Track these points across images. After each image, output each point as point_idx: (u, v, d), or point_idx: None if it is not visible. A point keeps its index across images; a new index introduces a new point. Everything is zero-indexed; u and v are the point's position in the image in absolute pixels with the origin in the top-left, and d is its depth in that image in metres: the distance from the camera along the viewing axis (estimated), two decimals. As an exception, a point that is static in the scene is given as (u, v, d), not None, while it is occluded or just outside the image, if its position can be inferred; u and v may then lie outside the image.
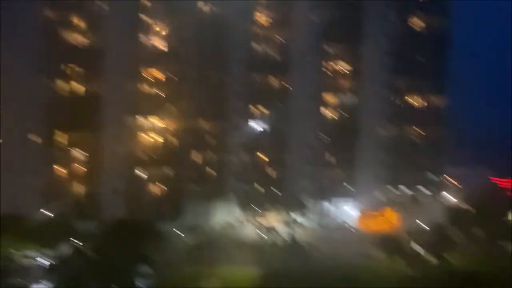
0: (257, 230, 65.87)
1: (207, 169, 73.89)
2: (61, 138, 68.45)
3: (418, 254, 50.60)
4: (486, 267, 54.42)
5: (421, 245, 54.26)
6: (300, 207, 70.75)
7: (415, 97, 78.32)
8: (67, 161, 68.95)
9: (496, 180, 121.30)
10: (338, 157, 77.95)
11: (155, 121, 71.57)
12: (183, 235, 66.47)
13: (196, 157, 73.27)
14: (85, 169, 69.21)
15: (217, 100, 72.34)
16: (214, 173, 74.04)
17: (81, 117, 67.25)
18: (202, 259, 49.15)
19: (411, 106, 78.45)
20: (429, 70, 77.38)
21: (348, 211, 77.32)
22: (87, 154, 69.18)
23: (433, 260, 50.78)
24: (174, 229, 67.86)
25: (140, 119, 70.80)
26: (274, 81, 76.00)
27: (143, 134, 71.27)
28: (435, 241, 53.14)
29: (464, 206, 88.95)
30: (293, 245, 60.01)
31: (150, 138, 71.62)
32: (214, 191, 73.58)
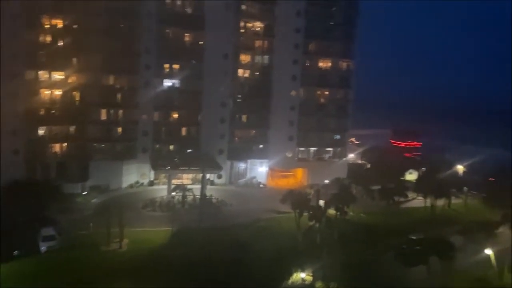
0: (169, 189, 65.37)
1: (115, 127, 70.81)
2: None
3: (320, 207, 53.92)
4: (379, 219, 60.43)
5: (324, 200, 57.90)
6: (213, 166, 71.40)
7: (324, 60, 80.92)
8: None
9: (395, 142, 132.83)
10: (251, 117, 79.12)
11: (57, 76, 66.12)
12: (89, 196, 64.26)
13: (103, 114, 69.65)
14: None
15: (127, 55, 68.55)
16: (123, 132, 71.22)
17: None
18: (110, 220, 47.81)
19: (320, 69, 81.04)
20: (339, 33, 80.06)
21: (260, 170, 79.66)
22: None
23: (334, 212, 54.58)
24: (79, 190, 65.31)
25: (41, 73, 65.00)
26: (188, 38, 73.87)
27: (44, 90, 65.67)
28: (337, 196, 56.83)
29: (365, 164, 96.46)
30: (205, 203, 60.94)
31: (52, 94, 66.30)
32: (123, 150, 71.17)
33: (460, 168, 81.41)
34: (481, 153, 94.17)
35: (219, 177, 75.85)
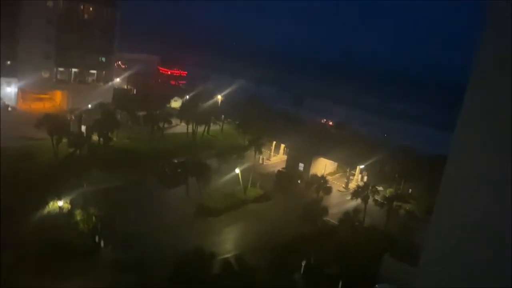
0: None
1: None
2: None
3: (82, 133, 50.73)
4: (144, 144, 61.37)
5: (86, 125, 54.62)
6: None
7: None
8: None
9: (163, 69, 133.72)
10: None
11: None
12: None
13: None
14: None
15: None
16: None
17: None
18: None
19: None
20: None
21: (8, 91, 68.33)
22: None
23: (97, 138, 52.34)
24: None
25: None
26: None
27: None
28: (100, 121, 54.36)
29: (131, 90, 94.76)
30: None
31: None
32: None
33: (219, 97, 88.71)
34: (237, 83, 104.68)
35: None
